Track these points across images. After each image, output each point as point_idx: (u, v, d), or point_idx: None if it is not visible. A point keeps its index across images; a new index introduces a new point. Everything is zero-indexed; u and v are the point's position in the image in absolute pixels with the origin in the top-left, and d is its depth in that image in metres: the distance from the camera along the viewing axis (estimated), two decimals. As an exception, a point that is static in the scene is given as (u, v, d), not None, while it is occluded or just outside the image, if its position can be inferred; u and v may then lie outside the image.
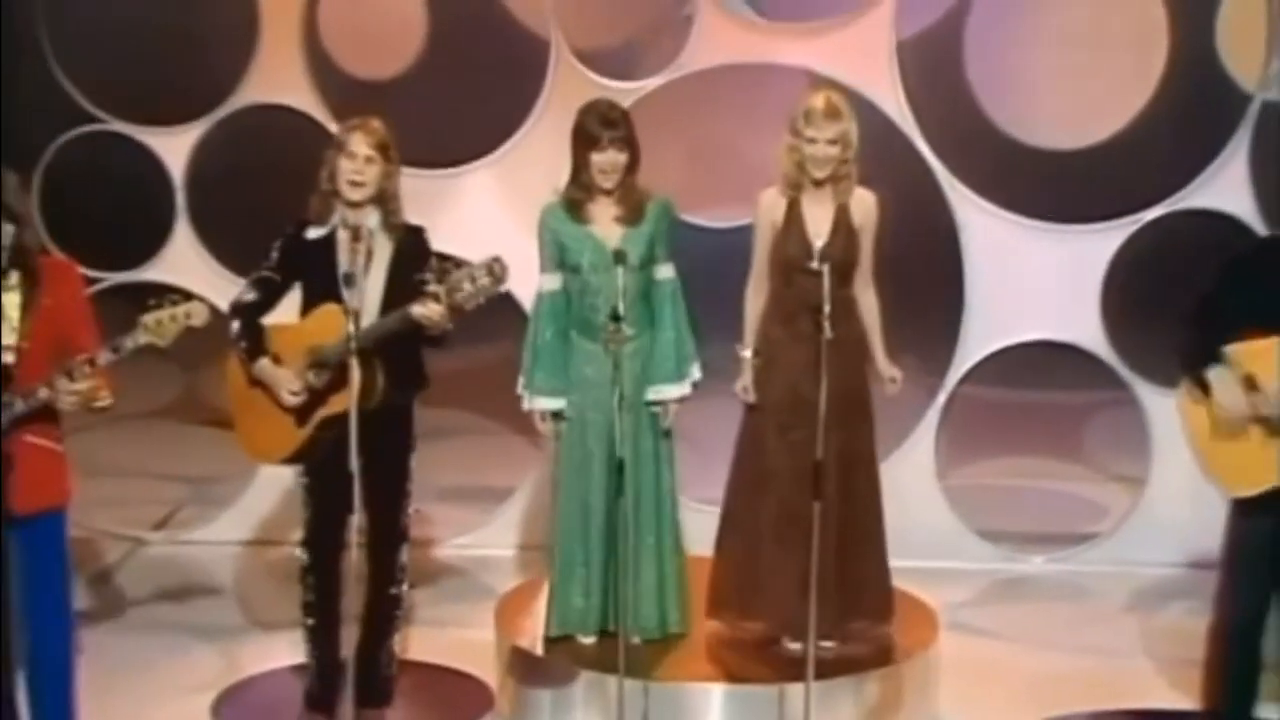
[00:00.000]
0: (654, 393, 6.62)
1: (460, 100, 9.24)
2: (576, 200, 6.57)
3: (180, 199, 8.46)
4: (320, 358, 6.21)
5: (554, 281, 6.62)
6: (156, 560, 8.53)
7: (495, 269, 6.09)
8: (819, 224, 6.54)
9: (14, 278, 5.84)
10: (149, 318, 5.77)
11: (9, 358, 5.79)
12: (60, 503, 5.96)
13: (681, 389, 6.65)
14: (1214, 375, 5.87)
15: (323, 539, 6.43)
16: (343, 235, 6.32)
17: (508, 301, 6.92)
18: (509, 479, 8.63)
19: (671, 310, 6.65)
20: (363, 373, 6.04)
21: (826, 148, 6.44)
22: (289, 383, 6.26)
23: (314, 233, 6.37)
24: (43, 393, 5.76)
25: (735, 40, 8.38)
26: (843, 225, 6.54)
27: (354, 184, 6.28)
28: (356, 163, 6.28)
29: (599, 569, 6.71)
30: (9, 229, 5.79)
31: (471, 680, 6.93)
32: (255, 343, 6.33)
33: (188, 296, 5.95)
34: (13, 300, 5.84)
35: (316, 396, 6.29)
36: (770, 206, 6.59)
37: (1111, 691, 6.96)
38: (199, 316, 5.89)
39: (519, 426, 8.42)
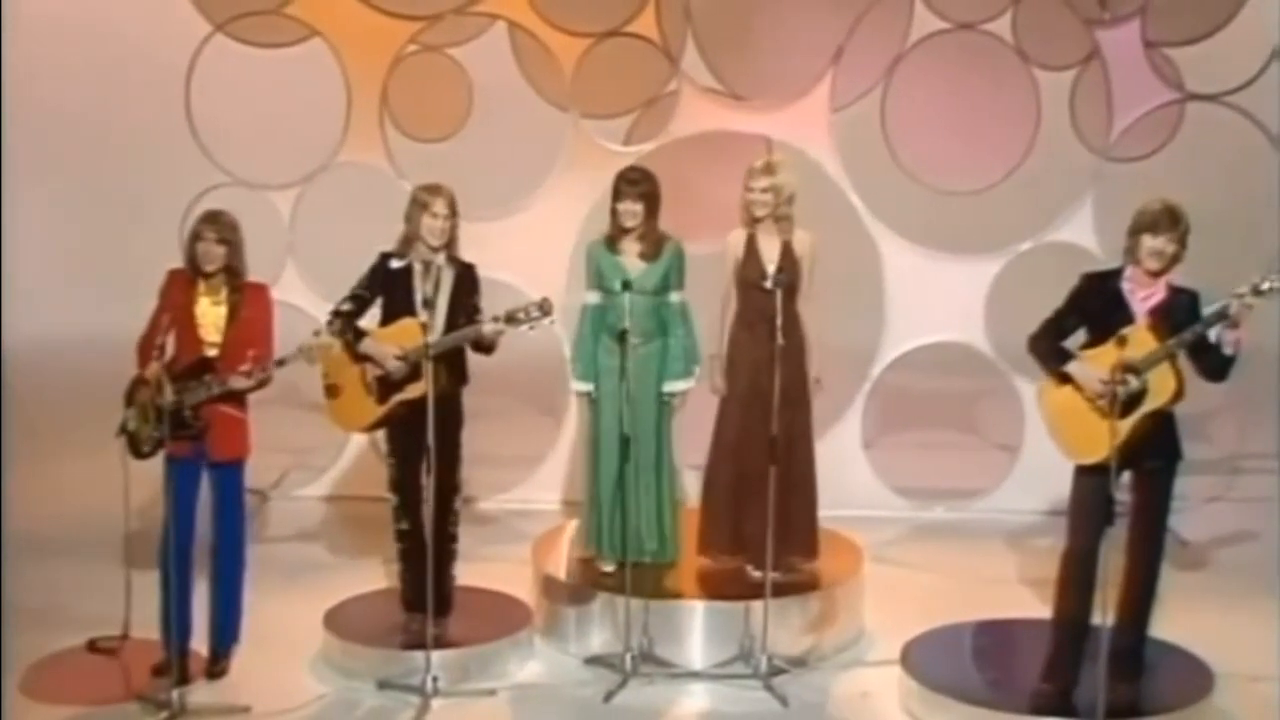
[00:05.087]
0: (668, 386, 6.98)
1: (494, 160, 9.28)
2: (612, 237, 6.97)
3: (288, 238, 8.71)
4: (410, 357, 6.47)
5: (594, 297, 7.00)
6: (274, 511, 8.73)
7: (544, 305, 6.53)
8: (770, 254, 6.90)
9: (223, 293, 6.28)
10: (305, 344, 6.26)
11: (214, 352, 6.25)
12: (242, 455, 6.43)
13: (689, 383, 7.02)
14: (1073, 368, 6.11)
15: (404, 487, 6.83)
16: (419, 268, 6.71)
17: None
18: (538, 448, 8.80)
19: (681, 324, 7.00)
20: (435, 370, 6.44)
21: (761, 195, 6.84)
22: (392, 350, 6.57)
23: (396, 264, 6.73)
24: (235, 381, 6.22)
25: (710, 114, 8.69)
26: (788, 256, 6.90)
27: (436, 234, 6.68)
28: (440, 220, 6.66)
29: (617, 508, 6.98)
30: (222, 250, 6.21)
31: (515, 600, 7.10)
32: (359, 332, 6.68)
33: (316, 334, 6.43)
34: (220, 311, 6.28)
35: (395, 384, 6.60)
36: (735, 242, 6.95)
37: (991, 606, 7.16)
38: (336, 347, 6.50)
39: (544, 409, 8.84)
